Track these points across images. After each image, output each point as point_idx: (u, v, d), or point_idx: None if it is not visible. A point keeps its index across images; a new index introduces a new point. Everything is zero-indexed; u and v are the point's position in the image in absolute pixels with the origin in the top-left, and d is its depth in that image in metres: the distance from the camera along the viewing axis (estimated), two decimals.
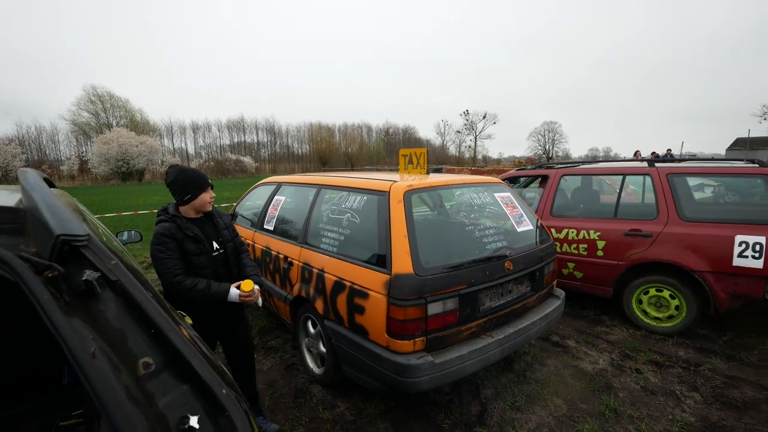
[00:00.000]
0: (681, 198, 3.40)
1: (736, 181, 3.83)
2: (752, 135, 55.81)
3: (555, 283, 2.88)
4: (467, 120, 72.33)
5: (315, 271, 2.55)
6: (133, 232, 2.69)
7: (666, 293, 3.39)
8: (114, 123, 45.32)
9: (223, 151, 60.40)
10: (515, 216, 2.61)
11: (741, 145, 54.92)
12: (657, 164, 3.64)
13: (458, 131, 75.21)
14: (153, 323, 0.80)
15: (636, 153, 14.87)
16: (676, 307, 3.36)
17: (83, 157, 40.90)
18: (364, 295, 2.12)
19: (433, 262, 2.07)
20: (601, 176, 4.53)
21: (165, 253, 1.86)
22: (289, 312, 2.94)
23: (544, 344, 3.28)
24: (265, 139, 66.53)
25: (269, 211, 3.50)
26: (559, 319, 2.77)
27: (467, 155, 72.42)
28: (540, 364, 2.97)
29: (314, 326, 2.71)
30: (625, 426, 2.30)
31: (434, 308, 2.00)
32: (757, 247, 2.95)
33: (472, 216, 2.63)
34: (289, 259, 2.90)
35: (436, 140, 79.17)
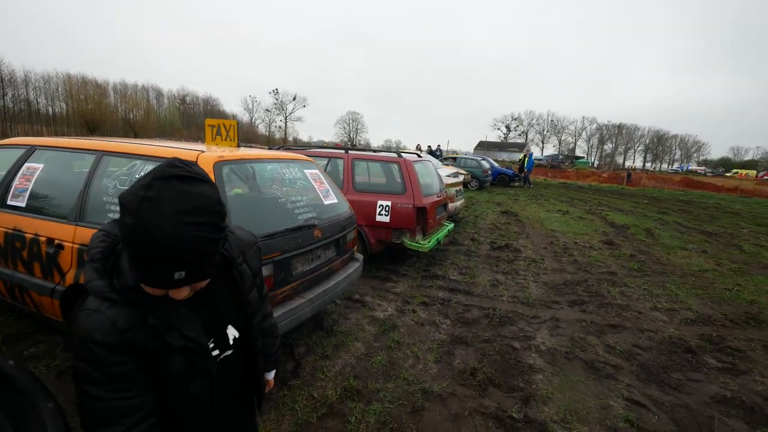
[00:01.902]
0: (355, 176, 4.73)
1: (384, 165, 4.94)
2: (489, 140, 76.41)
3: (355, 248, 3.41)
4: (277, 99, 70.63)
5: None
6: None
7: None
8: None
9: None
10: (323, 190, 2.94)
11: (482, 146, 74.51)
12: (350, 151, 4.89)
13: (267, 110, 72.68)
14: None
15: (417, 146, 18.14)
16: None
17: None
18: None
19: None
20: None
21: (102, 387, 0.76)
22: (59, 307, 2.39)
23: (347, 302, 3.82)
24: None
25: (17, 182, 2.68)
26: (358, 279, 3.31)
27: (278, 135, 70.92)
28: (344, 318, 3.48)
29: None
30: (404, 351, 3.03)
31: None
32: (387, 209, 4.44)
33: (284, 189, 2.81)
34: (56, 241, 2.35)
35: (244, 116, 73.95)
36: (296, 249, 2.40)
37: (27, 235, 2.47)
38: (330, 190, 3.05)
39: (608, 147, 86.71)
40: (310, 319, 3.34)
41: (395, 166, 4.63)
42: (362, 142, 78.16)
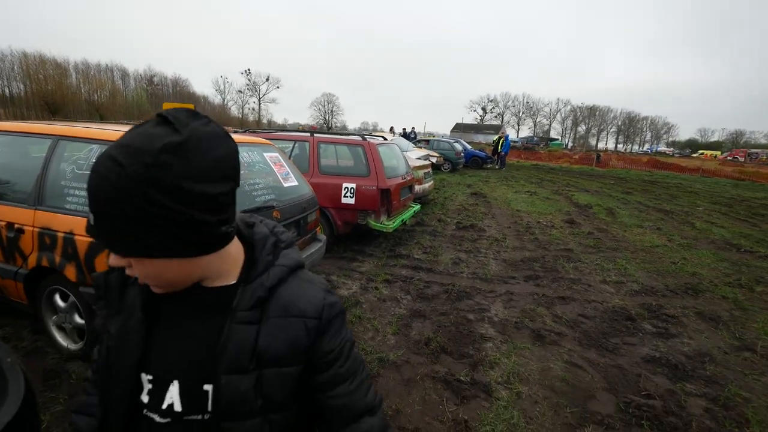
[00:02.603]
0: (320, 159, 4.86)
1: (349, 148, 5.05)
2: (465, 122, 76.87)
3: (318, 229, 3.56)
4: (249, 80, 68.49)
5: (60, 234, 2.24)
6: None
7: None
8: None
9: None
10: (282, 173, 3.05)
11: (459, 128, 75.01)
12: (315, 134, 4.99)
13: (240, 91, 70.43)
14: None
15: (391, 128, 18.21)
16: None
17: None
18: None
19: None
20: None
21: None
22: (23, 290, 2.44)
23: None
24: None
25: None
26: (321, 258, 3.46)
27: (251, 118, 69.02)
28: None
29: (65, 299, 2.40)
30: (365, 325, 3.23)
31: None
32: (352, 191, 4.63)
33: (243, 173, 2.89)
34: (16, 225, 2.38)
35: (216, 98, 71.51)
36: None
37: None
38: (290, 172, 3.16)
39: (582, 129, 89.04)
40: None
41: (359, 149, 4.74)
42: (338, 125, 77.38)
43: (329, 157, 5.08)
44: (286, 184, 3.01)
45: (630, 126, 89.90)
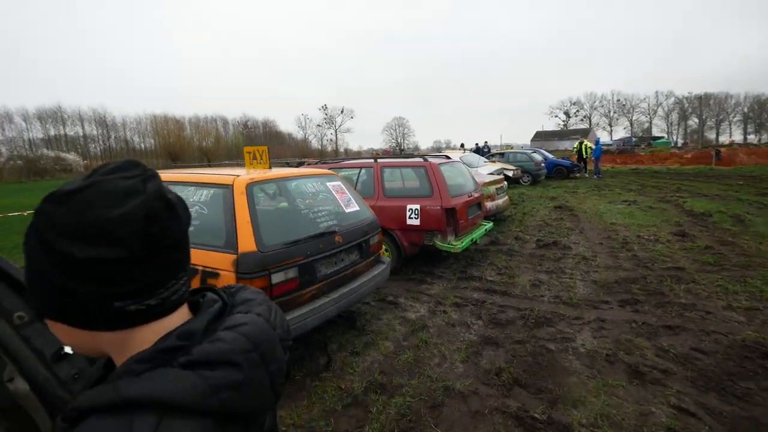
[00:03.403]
0: (384, 182, 4.94)
1: (412, 171, 5.10)
2: (546, 129, 72.42)
3: (381, 251, 3.59)
4: (326, 114, 74.05)
5: None
6: None
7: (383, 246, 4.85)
8: None
9: (34, 146, 47.54)
10: (344, 200, 3.18)
11: (539, 137, 70.71)
12: (379, 160, 5.15)
13: (319, 125, 76.46)
14: (21, 287, 0.99)
15: (461, 145, 17.88)
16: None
17: None
18: (216, 275, 2.35)
19: (273, 240, 2.43)
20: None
21: None
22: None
23: (381, 303, 4.00)
24: (95, 132, 55.02)
25: None
26: (385, 280, 3.48)
27: (329, 148, 74.03)
28: (376, 319, 3.66)
29: None
30: (431, 350, 3.12)
31: (277, 278, 2.38)
32: (416, 212, 4.54)
33: (307, 201, 3.08)
34: None
35: (298, 133, 78.61)
36: (319, 253, 2.64)
37: None
38: (351, 198, 3.27)
39: (693, 122, 76.66)
40: (340, 318, 3.58)
41: (422, 170, 4.74)
42: (410, 146, 78.51)
43: (393, 180, 5.16)
44: (347, 210, 3.13)
45: (761, 112, 74.16)
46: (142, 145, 58.87)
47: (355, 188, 4.97)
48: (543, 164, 15.65)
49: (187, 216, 0.52)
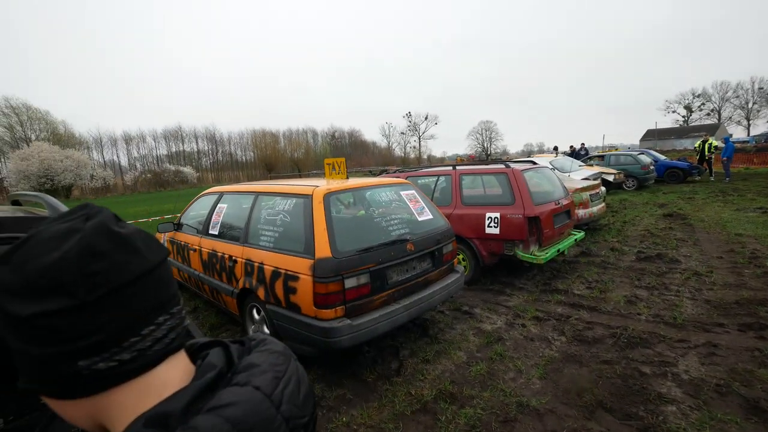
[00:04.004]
0: (462, 190, 4.80)
1: (493, 177, 4.88)
2: (660, 127, 63.34)
3: (456, 260, 3.58)
4: (410, 122, 74.97)
5: (256, 264, 3.01)
6: None
7: (461, 256, 4.76)
8: (33, 137, 41.28)
9: (160, 161, 57.23)
10: (417, 208, 3.27)
11: (651, 135, 62.14)
12: (459, 167, 5.08)
13: (402, 133, 77.63)
14: None
15: (555, 148, 16.64)
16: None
17: None
18: (296, 278, 2.63)
19: (347, 247, 2.64)
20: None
21: None
22: (236, 304, 3.35)
23: (455, 313, 3.98)
24: (206, 148, 64.12)
25: (213, 218, 3.87)
26: (459, 290, 3.46)
27: (413, 155, 74.74)
28: (450, 328, 3.66)
29: (258, 312, 3.16)
30: (506, 364, 3.02)
31: (350, 282, 2.56)
32: (496, 220, 4.36)
33: (381, 210, 3.24)
34: (233, 257, 3.32)
35: (382, 142, 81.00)
36: (390, 260, 2.78)
37: (219, 253, 3.56)
38: (425, 207, 3.35)
39: None
40: (412, 325, 3.66)
41: (503, 177, 4.59)
42: (497, 151, 75.09)
43: (473, 188, 5.09)
44: (420, 218, 3.22)
45: None
46: (243, 158, 66.57)
47: (432, 196, 5.04)
48: (652, 167, 13.79)
49: (153, 249, 0.45)
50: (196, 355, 0.50)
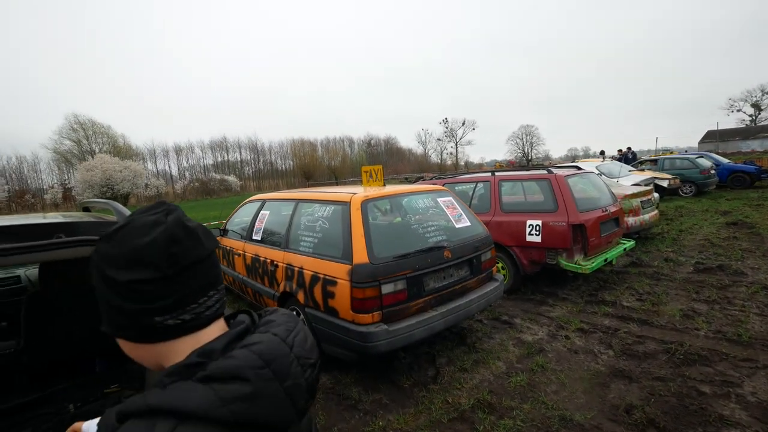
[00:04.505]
0: (502, 197, 4.78)
1: (534, 183, 4.68)
2: (721, 127, 58.38)
3: (495, 268, 3.51)
4: (447, 128, 74.23)
5: (296, 269, 3.12)
6: None
7: (500, 264, 4.62)
8: (97, 149, 45.35)
9: (206, 171, 60.67)
10: (455, 215, 3.24)
11: (712, 137, 57.36)
12: (498, 173, 5.00)
13: (439, 139, 76.98)
14: None
15: (601, 152, 15.82)
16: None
17: (66, 184, 40.76)
18: (334, 283, 2.70)
19: (384, 253, 2.67)
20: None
21: None
22: (277, 307, 3.48)
23: (494, 323, 3.88)
24: (249, 157, 67.25)
25: (256, 224, 4.06)
26: (498, 298, 3.38)
27: (449, 162, 73.84)
28: (488, 337, 3.58)
29: (298, 315, 3.26)
30: (548, 376, 2.91)
31: (387, 288, 2.59)
32: (538, 228, 4.23)
33: (417, 217, 3.25)
34: (275, 262, 3.46)
35: (418, 149, 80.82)
36: (427, 267, 2.78)
37: (261, 258, 3.72)
38: (463, 214, 3.32)
39: None
40: (449, 333, 3.61)
41: (545, 183, 4.44)
42: (539, 156, 72.44)
43: (513, 194, 4.96)
44: (458, 225, 3.19)
45: None
46: (283, 167, 69.07)
47: (470, 203, 4.98)
48: (713, 171, 12.73)
49: (209, 240, 0.60)
50: (228, 321, 0.66)
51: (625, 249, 4.88)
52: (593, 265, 4.15)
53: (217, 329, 0.61)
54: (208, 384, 0.50)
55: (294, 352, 0.58)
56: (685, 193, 12.45)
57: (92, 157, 38.86)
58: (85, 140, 46.29)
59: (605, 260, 4.38)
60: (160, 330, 0.56)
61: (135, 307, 0.54)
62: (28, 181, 47.80)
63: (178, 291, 0.55)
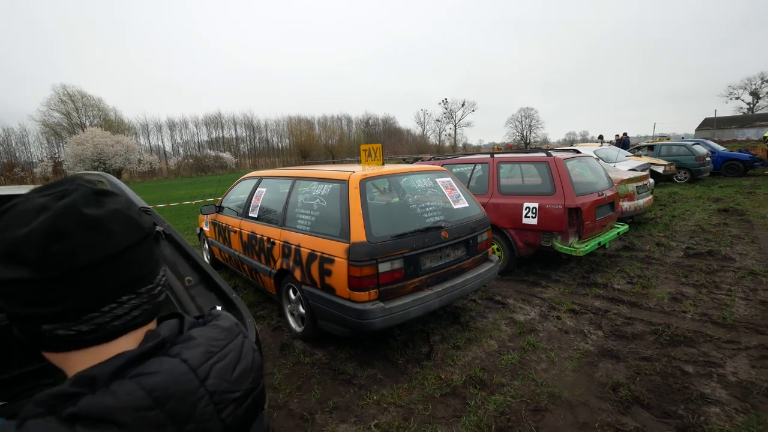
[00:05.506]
0: (500, 179, 4.81)
1: (532, 166, 4.69)
2: (719, 115, 58.31)
3: (490, 250, 3.54)
4: (446, 108, 73.39)
5: (293, 247, 3.12)
6: None
7: (495, 245, 4.68)
8: (87, 123, 44.35)
9: (201, 147, 59.75)
10: (453, 196, 3.24)
11: (709, 124, 57.32)
12: (496, 155, 4.96)
13: (438, 120, 76.40)
14: (191, 257, 1.39)
15: (600, 137, 15.80)
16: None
17: (56, 158, 40.03)
18: (331, 261, 2.72)
19: (382, 232, 2.68)
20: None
21: None
22: (273, 284, 3.51)
23: (487, 302, 3.95)
24: (244, 134, 66.15)
25: (253, 201, 4.03)
26: (492, 279, 3.43)
27: (447, 143, 73.36)
28: (481, 317, 3.65)
29: (294, 293, 3.30)
30: (539, 355, 2.99)
31: (384, 267, 2.61)
32: (534, 211, 4.29)
33: (416, 197, 3.25)
34: (272, 239, 3.46)
35: (417, 129, 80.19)
36: (424, 247, 2.80)
37: (258, 235, 3.72)
38: (461, 195, 3.32)
39: None
40: (444, 312, 3.68)
41: (544, 166, 4.44)
42: (538, 140, 72.13)
43: (511, 177, 4.97)
44: (456, 206, 3.20)
45: None
46: (279, 145, 68.15)
47: (468, 184, 4.98)
48: (708, 158, 12.79)
49: (131, 229, 0.47)
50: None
51: (618, 233, 4.94)
52: (587, 248, 4.21)
53: (130, 342, 0.48)
54: (72, 427, 0.38)
55: (207, 385, 0.46)
56: (680, 180, 12.53)
57: (83, 131, 38.05)
58: (75, 113, 45.20)
59: (599, 244, 4.44)
60: (50, 340, 0.45)
61: (13, 311, 0.43)
62: (17, 154, 46.86)
63: (70, 297, 0.43)
